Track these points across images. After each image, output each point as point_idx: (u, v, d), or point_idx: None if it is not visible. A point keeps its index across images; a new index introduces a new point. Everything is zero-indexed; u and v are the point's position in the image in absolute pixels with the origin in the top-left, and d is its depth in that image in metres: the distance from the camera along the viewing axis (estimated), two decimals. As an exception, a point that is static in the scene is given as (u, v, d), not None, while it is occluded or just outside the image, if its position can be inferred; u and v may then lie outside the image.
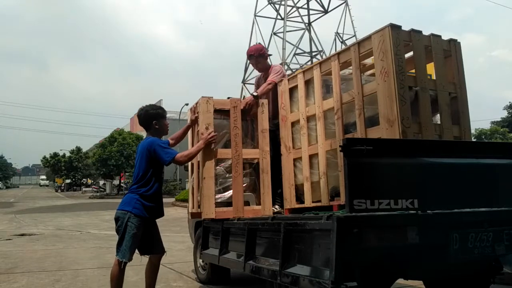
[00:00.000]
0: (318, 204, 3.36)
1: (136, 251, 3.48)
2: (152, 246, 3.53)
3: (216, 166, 3.82)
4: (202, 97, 3.88)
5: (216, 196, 3.80)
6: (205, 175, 3.72)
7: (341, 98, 3.17)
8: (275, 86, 4.03)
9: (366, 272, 2.24)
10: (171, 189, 30.11)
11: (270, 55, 4.85)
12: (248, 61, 5.12)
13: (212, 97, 3.89)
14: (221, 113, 3.90)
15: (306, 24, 32.00)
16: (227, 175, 3.87)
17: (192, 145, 4.15)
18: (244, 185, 3.86)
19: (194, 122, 4.10)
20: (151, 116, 3.54)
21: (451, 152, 2.63)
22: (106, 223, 13.02)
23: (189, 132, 4.26)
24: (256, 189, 3.96)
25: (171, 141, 3.87)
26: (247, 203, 3.86)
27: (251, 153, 3.93)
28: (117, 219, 3.41)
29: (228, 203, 3.82)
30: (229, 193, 3.83)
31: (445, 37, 3.18)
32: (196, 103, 4.00)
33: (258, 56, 4.45)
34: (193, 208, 4.15)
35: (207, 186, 3.70)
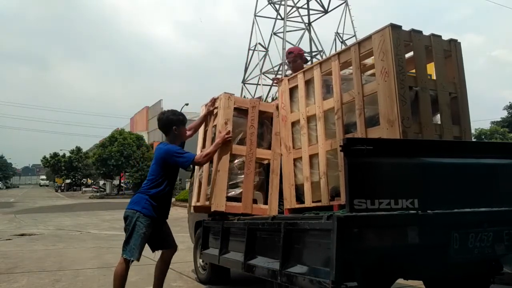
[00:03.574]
0: (318, 204, 3.35)
1: (147, 247, 3.53)
2: (163, 241, 3.59)
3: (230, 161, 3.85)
4: (225, 93, 3.98)
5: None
6: (220, 168, 3.76)
7: (342, 98, 3.16)
8: None
9: (366, 272, 2.24)
10: (171, 189, 30.07)
11: (308, 61, 4.88)
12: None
13: (234, 94, 4.02)
14: (238, 111, 4.00)
15: (306, 24, 32.00)
16: (239, 171, 3.92)
17: (204, 137, 4.19)
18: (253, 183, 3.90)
19: (211, 113, 4.14)
20: (172, 122, 3.60)
21: (451, 152, 2.63)
22: (106, 223, 13.02)
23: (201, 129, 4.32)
24: (264, 189, 4.00)
25: (188, 132, 3.96)
26: (254, 201, 3.90)
27: (263, 154, 3.99)
28: (126, 218, 3.44)
29: (235, 199, 3.84)
30: (238, 190, 3.86)
31: (445, 37, 3.19)
32: (217, 97, 4.08)
33: (296, 55, 4.50)
34: (197, 201, 4.12)
35: (221, 179, 3.74)
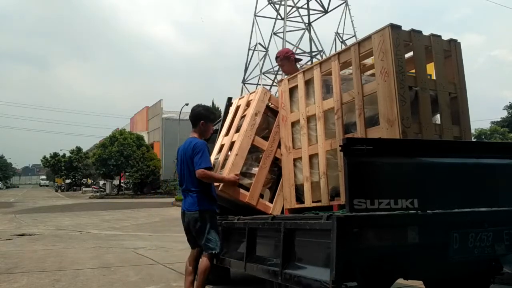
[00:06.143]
0: (318, 204, 3.36)
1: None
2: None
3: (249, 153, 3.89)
4: (263, 87, 4.14)
5: None
6: (238, 152, 3.79)
7: (341, 98, 3.17)
8: None
9: (366, 272, 2.24)
10: (171, 189, 30.11)
11: (300, 60, 4.82)
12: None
13: (271, 92, 4.18)
14: (270, 110, 4.12)
15: (306, 24, 31.96)
16: (254, 164, 3.94)
17: (229, 126, 4.24)
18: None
19: (244, 104, 4.23)
20: (202, 116, 3.80)
21: (451, 152, 2.64)
22: (106, 223, 13.03)
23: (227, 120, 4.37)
24: (273, 188, 4.01)
25: None
26: (261, 197, 3.91)
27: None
28: (196, 219, 3.55)
29: (243, 187, 3.84)
30: (248, 180, 3.88)
31: (445, 37, 3.19)
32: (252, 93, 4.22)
33: (283, 59, 4.48)
34: None
35: (236, 163, 3.76)
